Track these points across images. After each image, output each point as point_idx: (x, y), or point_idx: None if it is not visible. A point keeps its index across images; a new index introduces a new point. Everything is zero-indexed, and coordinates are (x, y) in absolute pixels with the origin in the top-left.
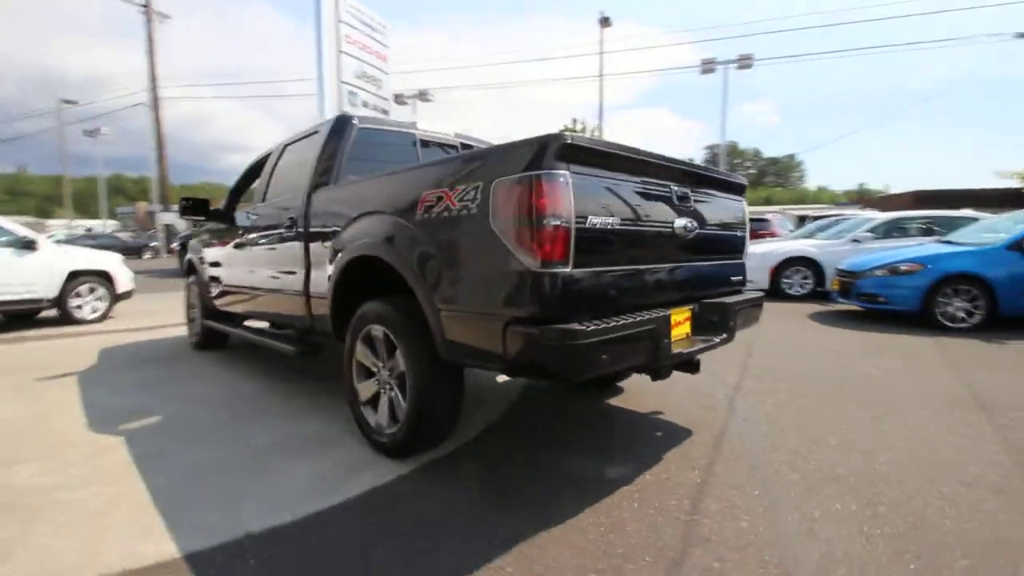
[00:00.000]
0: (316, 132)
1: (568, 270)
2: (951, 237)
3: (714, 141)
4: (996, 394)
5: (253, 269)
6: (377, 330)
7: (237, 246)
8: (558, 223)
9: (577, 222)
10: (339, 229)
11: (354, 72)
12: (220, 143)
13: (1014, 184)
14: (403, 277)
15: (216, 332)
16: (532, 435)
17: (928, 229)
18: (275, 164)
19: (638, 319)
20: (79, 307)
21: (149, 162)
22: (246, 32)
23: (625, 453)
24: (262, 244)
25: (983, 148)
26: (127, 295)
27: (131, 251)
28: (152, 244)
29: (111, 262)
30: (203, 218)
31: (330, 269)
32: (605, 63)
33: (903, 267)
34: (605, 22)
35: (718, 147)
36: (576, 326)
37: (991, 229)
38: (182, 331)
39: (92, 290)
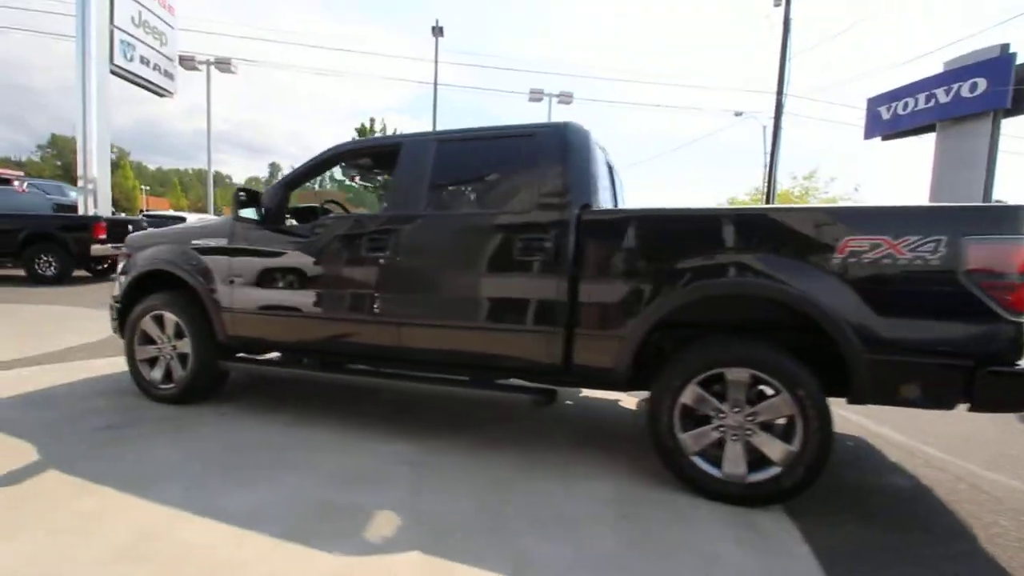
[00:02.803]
0: (531, 135)
1: None
2: None
3: None
4: None
5: (407, 293)
6: (738, 373)
7: (347, 260)
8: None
9: None
10: (655, 263)
11: (131, 17)
12: None
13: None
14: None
15: (216, 374)
16: None
17: None
18: (430, 164)
19: None
20: None
21: None
22: None
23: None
24: (446, 265)
25: (714, 184)
26: None
27: None
28: None
29: None
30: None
31: (627, 307)
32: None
33: None
34: (439, 32)
35: None
36: None
37: None
38: (60, 372)
39: None
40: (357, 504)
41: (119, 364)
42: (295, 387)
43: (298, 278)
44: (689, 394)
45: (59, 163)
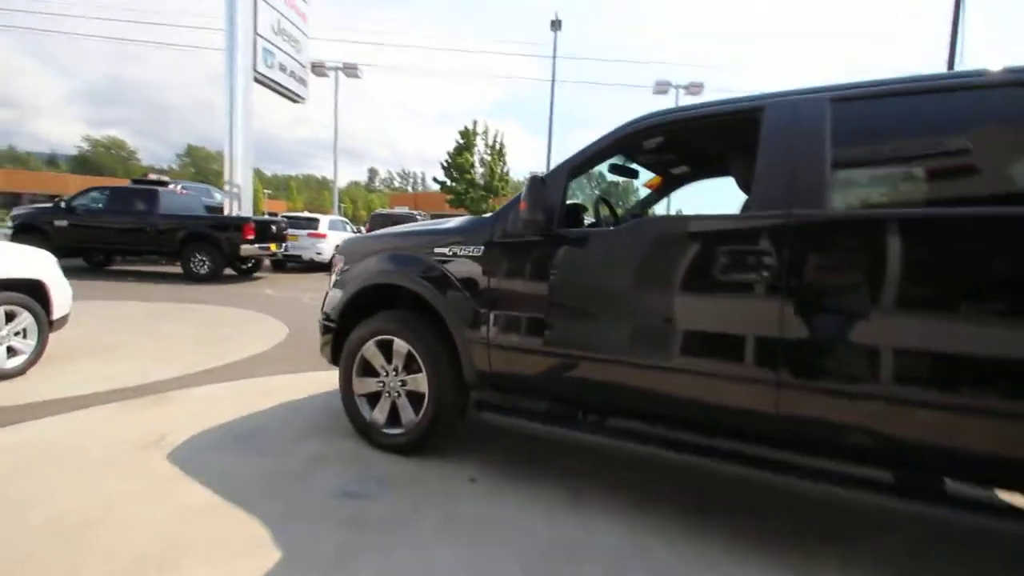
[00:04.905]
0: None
1: None
2: None
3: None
4: None
5: (805, 337)
6: None
7: (690, 283)
8: None
9: None
10: None
11: (271, 26)
12: None
13: None
14: None
15: (458, 421)
16: None
17: None
18: (827, 137)
19: None
20: None
21: None
22: None
23: None
24: (887, 297)
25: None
26: (62, 322)
27: None
28: None
29: (42, 265)
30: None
31: None
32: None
33: None
34: (556, 25)
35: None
36: None
37: None
38: (252, 395)
39: (10, 318)
40: None
41: (305, 384)
42: (515, 443)
43: (608, 304)
44: None
45: (193, 170)
